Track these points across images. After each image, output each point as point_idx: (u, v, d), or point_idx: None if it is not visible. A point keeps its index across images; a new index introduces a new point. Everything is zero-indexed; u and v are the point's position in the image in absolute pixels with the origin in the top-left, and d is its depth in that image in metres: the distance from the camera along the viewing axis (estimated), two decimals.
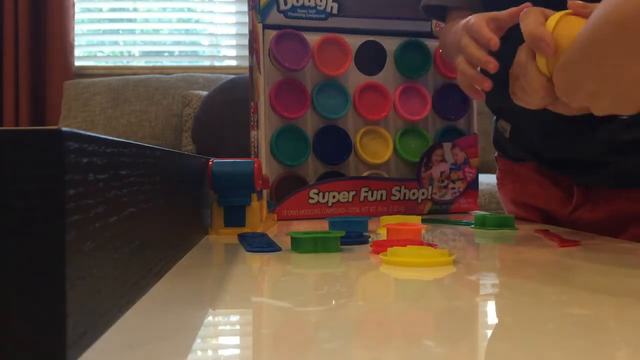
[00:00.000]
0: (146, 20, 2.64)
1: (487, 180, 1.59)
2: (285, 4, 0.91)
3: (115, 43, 2.64)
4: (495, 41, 0.64)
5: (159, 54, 2.62)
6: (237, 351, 0.29)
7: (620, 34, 0.45)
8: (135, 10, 2.60)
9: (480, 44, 0.65)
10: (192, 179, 0.59)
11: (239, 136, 1.67)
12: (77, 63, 2.46)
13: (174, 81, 2.28)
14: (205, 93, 2.16)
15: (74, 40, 2.42)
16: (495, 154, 0.93)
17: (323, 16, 0.93)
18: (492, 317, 0.33)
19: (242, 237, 0.62)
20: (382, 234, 0.66)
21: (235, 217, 0.68)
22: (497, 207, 1.79)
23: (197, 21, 2.67)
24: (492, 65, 0.62)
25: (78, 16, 2.48)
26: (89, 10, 2.61)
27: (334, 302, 0.35)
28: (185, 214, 0.55)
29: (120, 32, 2.62)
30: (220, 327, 0.32)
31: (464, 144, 0.97)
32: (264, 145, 0.90)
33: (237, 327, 0.33)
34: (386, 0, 0.97)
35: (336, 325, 0.31)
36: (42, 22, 2.36)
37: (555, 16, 0.52)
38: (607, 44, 0.46)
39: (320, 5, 0.92)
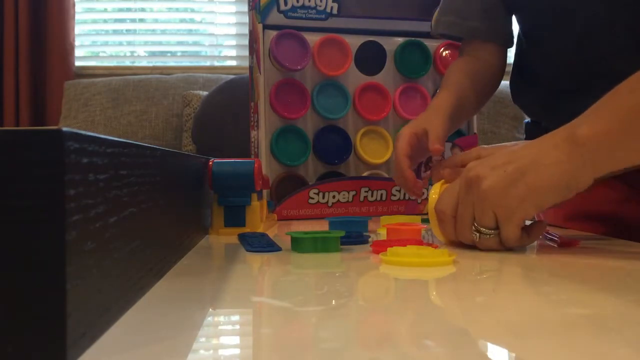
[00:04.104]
0: (146, 21, 2.64)
1: None
2: (285, 4, 0.91)
3: (116, 43, 2.63)
4: (411, 181, 0.75)
5: (159, 54, 2.62)
6: (237, 351, 0.29)
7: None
8: (135, 10, 2.60)
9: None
10: (192, 179, 0.59)
11: (239, 136, 1.67)
12: (77, 63, 2.46)
13: (174, 81, 2.28)
14: (205, 93, 2.16)
15: (74, 40, 2.42)
16: None
17: (323, 16, 0.93)
18: (491, 317, 0.33)
19: (242, 237, 0.62)
20: (382, 234, 0.66)
21: (235, 217, 0.68)
22: None
23: (197, 22, 2.67)
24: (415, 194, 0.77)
25: (78, 16, 2.48)
26: (89, 10, 2.61)
27: (334, 302, 0.35)
28: (185, 214, 0.55)
29: (121, 32, 2.62)
30: (220, 327, 0.32)
31: (464, 144, 0.96)
32: (264, 145, 0.90)
33: (237, 327, 0.33)
34: (386, 0, 0.97)
35: (336, 325, 0.31)
36: (43, 23, 2.35)
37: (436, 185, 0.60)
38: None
39: (320, 6, 0.92)
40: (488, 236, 0.52)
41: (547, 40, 0.77)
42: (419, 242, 0.53)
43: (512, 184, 0.50)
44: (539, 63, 0.79)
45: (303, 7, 0.92)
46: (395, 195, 0.93)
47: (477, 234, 0.52)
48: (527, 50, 0.82)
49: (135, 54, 2.63)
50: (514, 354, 0.26)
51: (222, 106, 2.03)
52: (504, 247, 0.52)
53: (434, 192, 0.59)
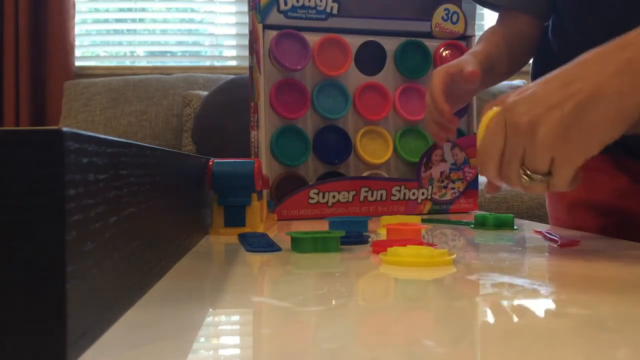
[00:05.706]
0: (147, 21, 2.64)
1: None
2: (285, 4, 0.91)
3: (116, 43, 2.64)
4: (448, 113, 0.73)
5: (159, 54, 2.62)
6: (237, 351, 0.29)
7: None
8: (135, 10, 2.60)
9: (438, 111, 0.74)
10: (192, 179, 0.59)
11: (239, 136, 1.67)
12: (77, 63, 2.46)
13: (174, 81, 2.28)
14: (205, 93, 2.16)
15: (74, 40, 2.42)
16: None
17: (323, 16, 0.93)
18: (491, 317, 0.33)
19: (242, 237, 0.62)
20: (382, 234, 0.66)
21: (235, 217, 0.68)
22: (497, 207, 1.78)
23: (197, 22, 2.67)
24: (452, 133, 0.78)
25: (78, 16, 2.48)
26: (89, 10, 2.61)
27: (334, 302, 0.35)
28: (185, 214, 0.55)
29: (121, 32, 2.62)
30: (220, 327, 0.32)
31: (464, 144, 0.97)
32: (264, 145, 0.90)
33: (237, 327, 0.33)
34: (386, 1, 0.97)
35: (336, 325, 0.31)
36: (43, 22, 2.35)
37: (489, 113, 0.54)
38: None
39: (320, 6, 0.92)
40: (538, 181, 0.48)
41: (578, 22, 0.76)
42: (419, 242, 0.53)
43: (572, 126, 0.45)
44: (566, 44, 0.78)
45: (303, 7, 0.92)
46: (395, 195, 0.93)
47: (527, 178, 0.48)
48: (555, 31, 0.81)
49: (135, 54, 2.63)
50: (513, 354, 0.26)
51: (222, 106, 2.03)
52: (550, 191, 0.49)
53: (484, 123, 0.54)
